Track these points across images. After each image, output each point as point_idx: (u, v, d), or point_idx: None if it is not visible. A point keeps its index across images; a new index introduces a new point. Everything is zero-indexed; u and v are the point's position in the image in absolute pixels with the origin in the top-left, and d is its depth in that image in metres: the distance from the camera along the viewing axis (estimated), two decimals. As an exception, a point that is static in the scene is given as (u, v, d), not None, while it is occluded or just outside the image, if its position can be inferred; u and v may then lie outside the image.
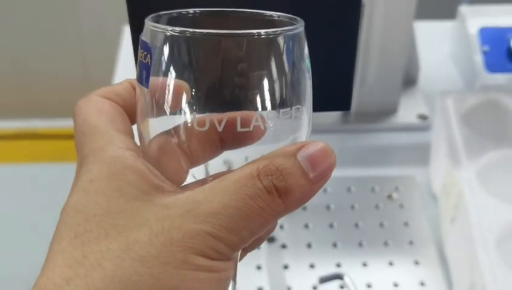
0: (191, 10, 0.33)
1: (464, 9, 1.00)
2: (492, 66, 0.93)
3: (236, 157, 0.31)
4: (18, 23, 1.95)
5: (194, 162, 0.31)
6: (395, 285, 0.71)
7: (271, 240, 0.75)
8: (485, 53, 0.94)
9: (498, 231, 0.66)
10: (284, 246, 0.75)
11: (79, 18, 1.96)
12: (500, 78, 0.93)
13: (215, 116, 0.29)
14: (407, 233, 0.76)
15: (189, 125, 0.30)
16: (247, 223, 0.28)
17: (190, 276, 0.27)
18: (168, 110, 0.30)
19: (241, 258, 0.34)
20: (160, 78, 0.30)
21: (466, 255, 0.67)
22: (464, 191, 0.70)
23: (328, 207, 0.80)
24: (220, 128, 0.29)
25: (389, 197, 0.81)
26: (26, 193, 1.79)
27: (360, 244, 0.75)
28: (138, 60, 0.32)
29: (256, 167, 0.29)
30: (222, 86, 0.29)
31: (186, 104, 0.29)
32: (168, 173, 0.31)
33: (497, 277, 0.62)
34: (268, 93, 0.30)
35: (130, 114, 0.33)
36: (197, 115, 0.29)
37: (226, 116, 0.29)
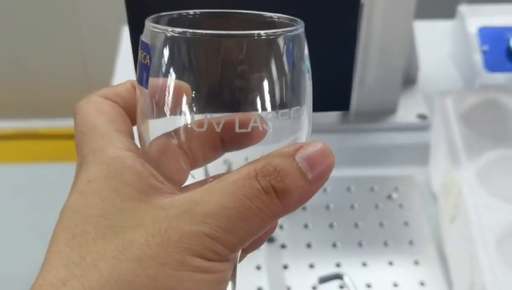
0: (191, 11, 0.33)
1: (463, 8, 1.00)
2: (492, 66, 0.93)
3: (236, 157, 0.31)
4: (18, 23, 1.95)
5: (195, 163, 0.31)
6: (395, 285, 0.71)
7: (270, 240, 0.75)
8: (484, 52, 0.94)
9: (498, 230, 0.66)
10: (283, 246, 0.75)
11: (79, 18, 1.96)
12: (499, 77, 0.93)
13: (214, 117, 0.29)
14: (407, 233, 0.76)
15: (188, 126, 0.30)
16: (245, 224, 0.28)
17: (187, 277, 0.27)
18: (168, 111, 0.30)
19: (241, 259, 0.34)
20: (161, 79, 0.30)
21: (466, 255, 0.67)
22: (463, 191, 0.70)
23: (327, 207, 0.80)
24: (218, 129, 0.29)
25: (389, 197, 0.81)
26: (26, 193, 1.79)
27: (360, 244, 0.75)
28: (138, 61, 0.32)
29: (254, 167, 0.28)
30: (222, 87, 0.29)
31: (186, 105, 0.29)
32: (168, 174, 0.31)
33: (497, 277, 0.62)
34: (268, 94, 0.30)
35: (131, 115, 0.33)
36: (197, 116, 0.29)
37: (225, 117, 0.29)
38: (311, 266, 0.73)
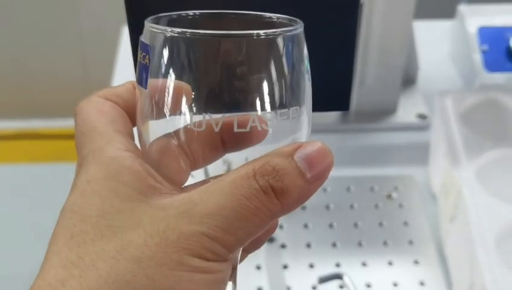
0: (190, 12, 0.33)
1: (462, 8, 1.00)
2: (492, 66, 0.93)
3: (236, 158, 0.31)
4: (18, 23, 1.95)
5: (196, 164, 0.31)
6: (395, 285, 0.71)
7: (270, 240, 0.75)
8: (484, 52, 0.94)
9: (497, 230, 0.66)
10: (283, 246, 0.75)
11: (79, 18, 1.96)
12: (499, 77, 0.93)
13: (213, 118, 0.29)
14: (407, 233, 0.76)
15: (188, 127, 0.30)
16: (243, 224, 0.28)
17: (185, 277, 0.27)
18: (167, 112, 0.30)
19: (241, 260, 0.34)
20: (160, 80, 0.30)
21: (465, 255, 0.67)
22: (463, 191, 0.70)
23: (327, 207, 0.80)
24: (216, 129, 0.29)
25: (389, 196, 0.81)
26: (26, 193, 1.79)
27: (360, 244, 0.75)
28: (138, 62, 0.32)
29: (252, 167, 0.28)
30: (222, 87, 0.29)
31: (186, 106, 0.29)
32: (168, 174, 0.31)
33: (497, 277, 0.62)
34: (267, 94, 0.30)
35: (131, 115, 0.33)
36: (197, 117, 0.29)
37: (223, 117, 0.29)
38: (311, 266, 0.73)
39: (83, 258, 0.27)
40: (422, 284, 0.71)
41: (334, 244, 0.75)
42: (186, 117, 0.30)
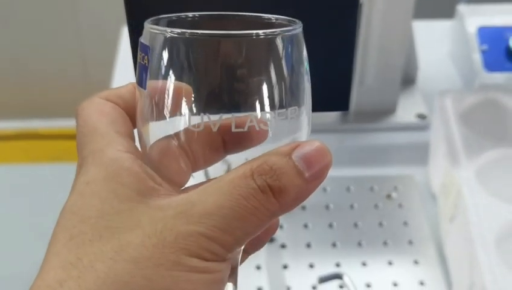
0: (190, 14, 0.33)
1: (462, 8, 1.00)
2: (491, 65, 0.93)
3: (235, 158, 0.31)
4: (18, 23, 1.95)
5: (197, 164, 0.31)
6: (395, 285, 0.71)
7: (270, 240, 0.75)
8: (483, 52, 0.94)
9: (497, 230, 0.66)
10: (283, 246, 0.75)
11: (79, 18, 1.96)
12: (498, 77, 0.93)
13: (211, 119, 0.29)
14: (407, 232, 0.76)
15: (188, 127, 0.30)
16: (241, 224, 0.28)
17: (183, 277, 0.27)
18: (167, 113, 0.30)
19: (242, 261, 0.34)
20: (160, 81, 0.30)
21: (465, 255, 0.67)
22: (463, 191, 0.70)
23: (327, 207, 0.80)
24: (214, 129, 0.29)
25: (388, 196, 0.81)
26: (26, 193, 1.79)
27: (360, 244, 0.75)
28: (138, 63, 0.32)
29: (249, 167, 0.28)
30: (221, 87, 0.29)
31: (186, 106, 0.29)
32: (169, 175, 0.31)
33: (497, 277, 0.62)
34: (267, 94, 0.30)
35: (133, 116, 0.33)
36: (197, 117, 0.30)
37: (223, 118, 0.29)
38: (311, 265, 0.73)
39: (82, 259, 0.27)
40: (422, 284, 0.71)
41: (334, 244, 0.75)
42: (186, 118, 0.30)
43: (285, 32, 0.30)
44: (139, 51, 0.31)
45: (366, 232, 0.77)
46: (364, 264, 0.73)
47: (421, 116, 0.93)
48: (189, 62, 0.29)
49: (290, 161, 0.29)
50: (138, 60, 0.32)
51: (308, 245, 0.75)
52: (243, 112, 0.29)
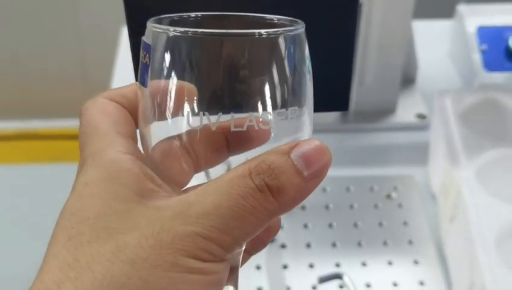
0: (192, 14, 0.33)
1: (462, 8, 1.00)
2: (491, 65, 0.93)
3: (235, 158, 0.31)
4: (18, 23, 1.95)
5: (199, 165, 0.31)
6: (395, 285, 0.71)
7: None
8: (483, 52, 0.94)
9: (497, 230, 0.66)
10: (283, 246, 0.75)
11: (78, 18, 1.96)
12: (498, 77, 0.93)
13: (211, 119, 0.29)
14: (407, 232, 0.76)
15: (190, 128, 0.30)
16: (239, 223, 0.28)
17: (180, 278, 0.27)
18: (170, 113, 0.30)
19: (243, 262, 0.33)
20: (162, 81, 0.30)
21: (465, 255, 0.67)
22: (462, 191, 0.70)
23: (327, 207, 0.80)
24: (213, 128, 0.29)
25: (388, 196, 0.81)
26: (26, 193, 1.79)
27: (359, 244, 0.75)
28: (140, 62, 0.32)
29: (248, 166, 0.28)
30: (224, 87, 0.29)
31: (188, 106, 0.29)
32: (171, 176, 0.31)
33: (497, 277, 0.62)
34: (269, 94, 0.30)
35: (136, 116, 0.33)
36: (198, 117, 0.29)
37: (222, 118, 0.29)
38: (311, 266, 0.73)
39: (79, 260, 0.27)
40: (422, 284, 0.71)
41: (334, 244, 0.75)
42: (188, 118, 0.30)
43: (288, 32, 0.30)
44: (141, 49, 0.31)
45: (366, 232, 0.77)
46: (364, 264, 0.73)
47: (421, 116, 0.93)
48: (192, 61, 0.29)
49: (288, 160, 0.29)
50: (140, 59, 0.31)
51: (308, 245, 0.75)
52: (244, 112, 0.29)
